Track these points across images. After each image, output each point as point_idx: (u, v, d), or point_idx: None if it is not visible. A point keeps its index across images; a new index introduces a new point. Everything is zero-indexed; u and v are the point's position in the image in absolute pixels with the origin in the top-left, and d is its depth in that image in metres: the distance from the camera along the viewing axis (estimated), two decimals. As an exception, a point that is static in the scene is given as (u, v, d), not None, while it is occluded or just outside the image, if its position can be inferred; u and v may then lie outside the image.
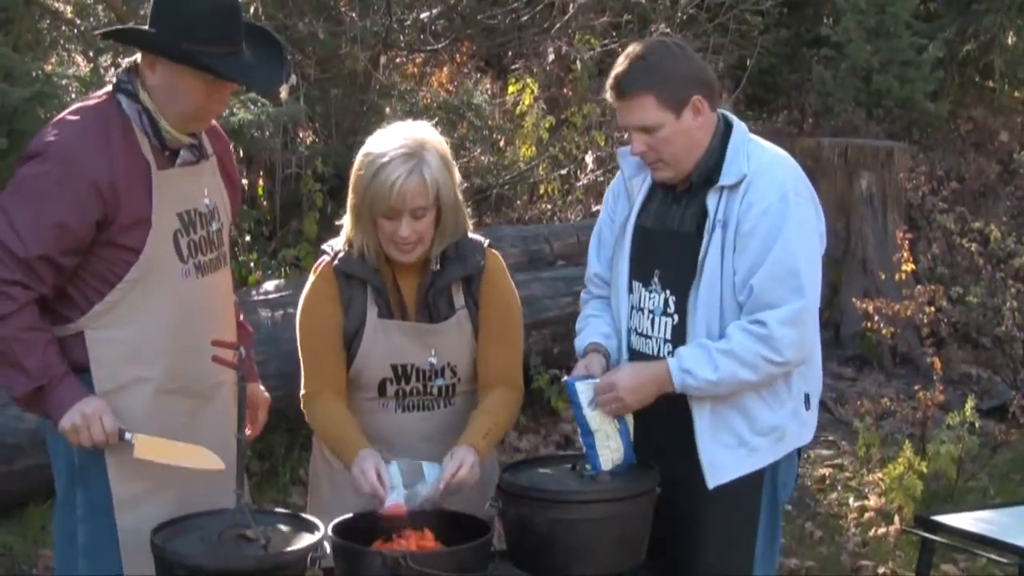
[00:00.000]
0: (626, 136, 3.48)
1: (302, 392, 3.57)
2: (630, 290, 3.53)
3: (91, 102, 3.36)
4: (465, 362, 3.54)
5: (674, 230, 3.47)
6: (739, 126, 3.48)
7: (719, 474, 3.40)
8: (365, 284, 3.48)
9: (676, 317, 3.44)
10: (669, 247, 3.47)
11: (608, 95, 3.47)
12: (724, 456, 3.40)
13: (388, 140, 3.38)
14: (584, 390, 3.41)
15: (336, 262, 3.49)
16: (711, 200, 3.38)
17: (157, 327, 3.31)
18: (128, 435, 3.24)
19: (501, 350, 3.55)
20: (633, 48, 3.44)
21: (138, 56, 3.34)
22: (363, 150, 3.41)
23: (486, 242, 3.61)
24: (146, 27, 3.32)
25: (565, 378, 3.53)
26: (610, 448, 3.41)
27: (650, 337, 3.49)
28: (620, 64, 3.40)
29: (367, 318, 3.48)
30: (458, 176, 3.48)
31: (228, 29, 3.26)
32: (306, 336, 3.55)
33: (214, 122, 3.56)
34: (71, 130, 3.25)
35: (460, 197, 3.49)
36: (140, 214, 3.26)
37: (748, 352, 3.31)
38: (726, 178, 3.37)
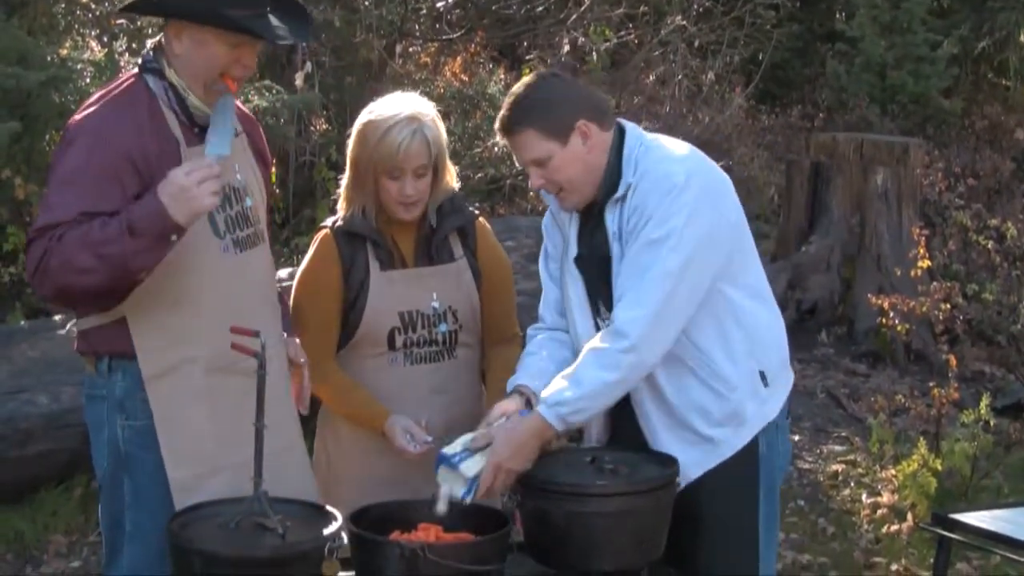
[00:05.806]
0: None
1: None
2: (597, 313, 3.50)
3: (116, 86, 3.31)
4: (465, 308, 3.69)
5: (600, 255, 3.44)
6: (631, 133, 3.43)
7: (686, 472, 3.37)
8: (366, 242, 3.63)
9: None
10: (599, 272, 3.45)
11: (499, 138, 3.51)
12: (689, 453, 3.39)
13: (390, 107, 3.58)
14: (461, 462, 3.32)
15: (337, 224, 3.66)
16: (609, 217, 3.38)
17: (200, 305, 3.25)
18: None
19: (502, 306, 3.79)
20: (514, 88, 3.46)
21: (161, 35, 3.31)
22: (365, 117, 3.60)
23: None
24: None
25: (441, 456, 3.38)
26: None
27: None
28: (504, 106, 3.43)
29: (370, 273, 3.63)
30: (447, 138, 3.70)
31: None
32: (308, 300, 3.68)
33: (242, 106, 3.53)
34: (99, 112, 3.21)
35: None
36: None
37: (602, 354, 3.27)
38: (618, 191, 3.36)
